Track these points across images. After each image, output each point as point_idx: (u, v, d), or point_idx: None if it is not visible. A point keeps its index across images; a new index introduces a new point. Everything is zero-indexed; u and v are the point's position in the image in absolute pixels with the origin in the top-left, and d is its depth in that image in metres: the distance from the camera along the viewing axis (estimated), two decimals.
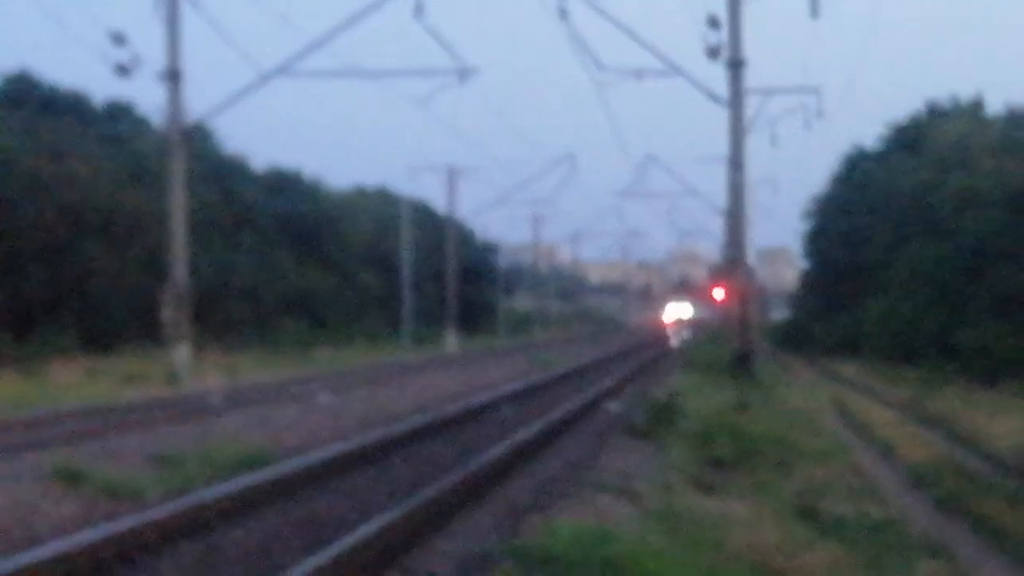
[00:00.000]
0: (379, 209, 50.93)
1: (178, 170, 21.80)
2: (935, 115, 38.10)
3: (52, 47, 57.25)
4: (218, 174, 36.03)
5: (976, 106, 37.20)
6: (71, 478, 6.87)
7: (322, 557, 4.05)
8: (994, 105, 36.50)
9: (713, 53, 20.07)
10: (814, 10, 22.71)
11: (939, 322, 27.68)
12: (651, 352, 39.35)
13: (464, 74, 22.57)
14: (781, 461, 10.01)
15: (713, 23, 19.68)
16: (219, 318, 31.76)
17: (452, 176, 34.23)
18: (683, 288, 64.33)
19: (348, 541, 4.51)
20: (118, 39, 19.74)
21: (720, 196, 29.84)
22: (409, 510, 5.57)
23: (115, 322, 28.16)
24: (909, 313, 29.76)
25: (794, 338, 42.34)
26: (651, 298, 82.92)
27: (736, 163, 21.56)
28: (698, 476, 8.54)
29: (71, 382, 19.34)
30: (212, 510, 5.91)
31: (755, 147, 24.68)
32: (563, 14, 19.95)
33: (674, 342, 45.86)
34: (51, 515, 6.05)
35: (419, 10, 19.60)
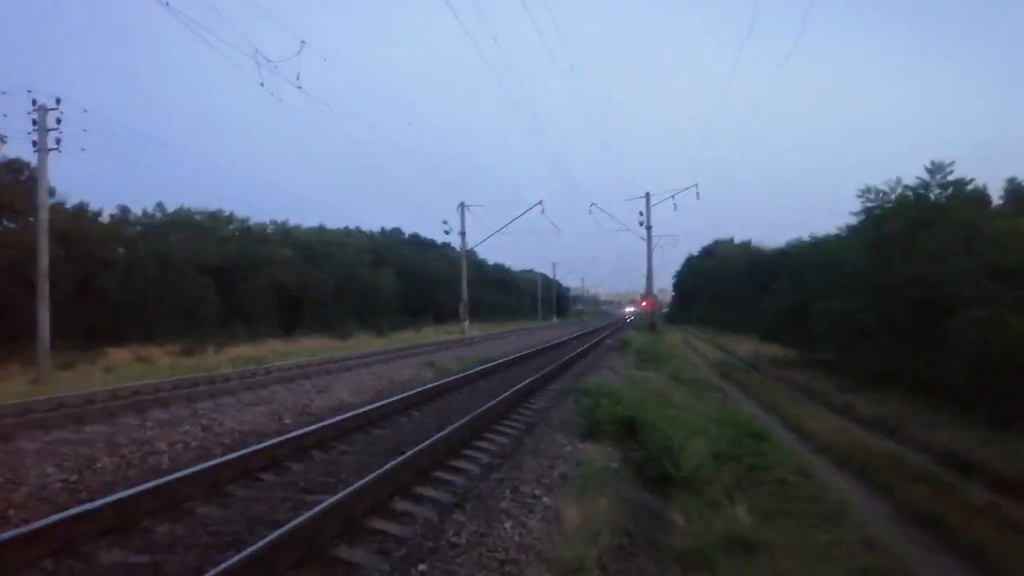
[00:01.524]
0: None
1: (463, 267, 48.51)
2: (719, 244, 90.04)
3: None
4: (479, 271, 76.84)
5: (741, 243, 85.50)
6: (429, 364, 19.44)
7: (523, 383, 15.98)
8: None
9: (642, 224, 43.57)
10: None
11: (716, 313, 67.89)
12: (623, 324, 77.34)
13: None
14: (666, 358, 23.29)
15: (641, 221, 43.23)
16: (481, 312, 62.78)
17: (462, 209, 48.22)
18: (633, 302, 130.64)
19: (532, 375, 16.66)
20: (445, 224, 46.52)
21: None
22: (544, 373, 17.90)
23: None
24: (709, 309, 72.27)
25: (671, 318, 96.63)
26: (624, 306, 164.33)
27: (649, 263, 45.77)
28: (638, 364, 21.50)
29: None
30: (476, 374, 18.28)
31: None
32: (592, 208, 45.44)
33: (628, 320, 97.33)
34: (424, 376, 18.47)
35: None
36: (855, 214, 25.70)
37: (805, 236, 45.92)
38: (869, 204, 24.55)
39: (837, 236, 30.22)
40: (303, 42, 17.13)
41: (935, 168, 22.60)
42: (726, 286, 67.38)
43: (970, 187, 22.51)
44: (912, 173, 24.16)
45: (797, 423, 17.31)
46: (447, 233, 47.04)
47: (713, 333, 59.86)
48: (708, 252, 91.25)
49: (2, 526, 6.10)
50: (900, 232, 21.70)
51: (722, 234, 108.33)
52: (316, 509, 5.70)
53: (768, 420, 17.50)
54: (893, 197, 23.66)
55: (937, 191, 22.53)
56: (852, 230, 27.09)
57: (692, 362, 30.63)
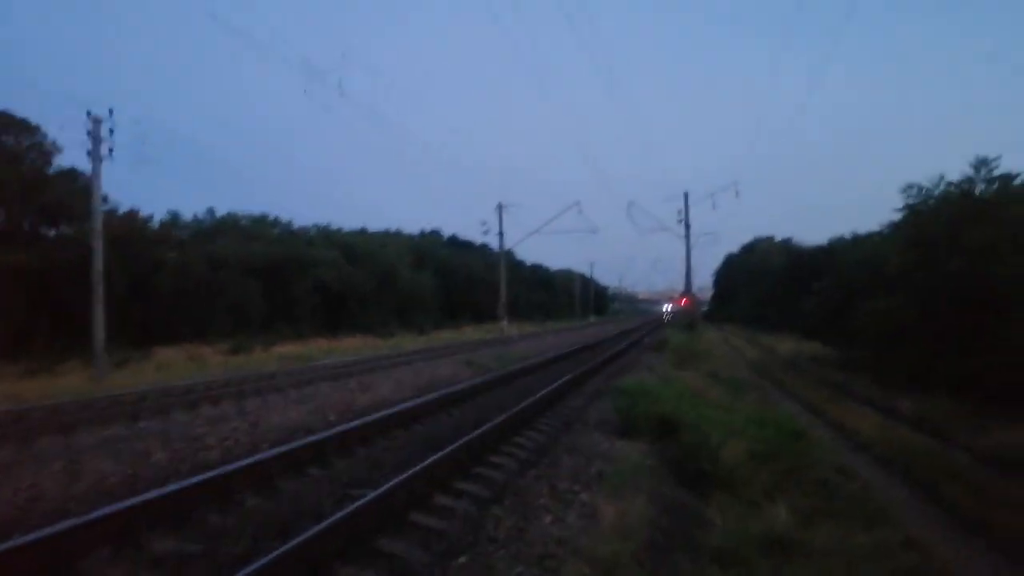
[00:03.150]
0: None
1: (503, 267, 48.17)
2: (759, 242, 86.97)
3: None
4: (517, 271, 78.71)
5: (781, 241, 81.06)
6: (469, 363, 19.65)
7: (560, 381, 16.19)
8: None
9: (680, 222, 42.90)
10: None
11: (756, 312, 66.55)
12: (660, 323, 79.72)
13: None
14: (704, 357, 23.10)
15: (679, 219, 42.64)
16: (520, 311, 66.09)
17: (500, 211, 48.14)
18: (671, 300, 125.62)
19: (569, 374, 16.76)
20: (484, 224, 47.33)
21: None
22: (581, 371, 17.98)
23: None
24: (748, 308, 71.86)
25: (709, 317, 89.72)
26: (662, 304, 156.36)
27: (687, 261, 44.55)
28: (676, 364, 21.39)
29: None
30: (514, 373, 18.44)
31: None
32: (630, 207, 44.23)
33: (666, 319, 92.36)
34: (463, 374, 18.69)
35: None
36: (898, 211, 25.13)
37: (846, 233, 45.12)
38: (912, 201, 23.98)
39: (879, 233, 29.62)
40: (345, 52, 17.50)
41: (980, 163, 21.93)
42: (766, 284, 66.22)
43: (1017, 181, 21.84)
44: (957, 169, 23.55)
45: (838, 422, 17.06)
46: (485, 234, 47.46)
47: (752, 332, 59.07)
48: (748, 250, 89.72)
49: (64, 516, 6.45)
50: (944, 229, 21.21)
51: (762, 232, 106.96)
52: (359, 502, 5.91)
53: (808, 419, 17.30)
54: (936, 193, 23.09)
55: (983, 186, 21.92)
56: (894, 227, 26.51)
57: (730, 361, 30.40)
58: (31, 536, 5.23)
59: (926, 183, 23.42)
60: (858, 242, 32.95)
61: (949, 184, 22.53)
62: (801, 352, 33.80)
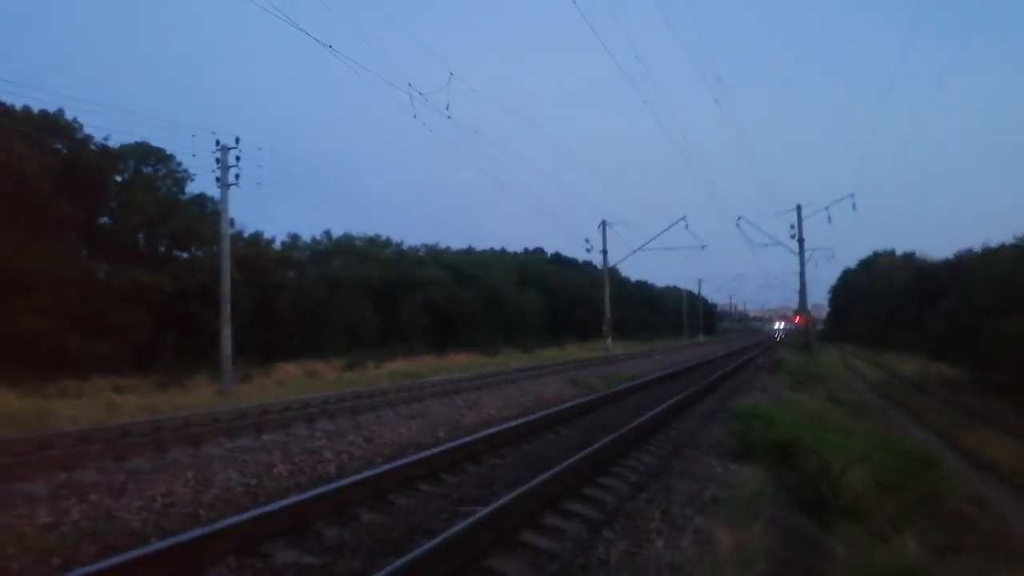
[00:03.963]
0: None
1: (607, 285, 48.83)
2: (879, 256, 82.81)
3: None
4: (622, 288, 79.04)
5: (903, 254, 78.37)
6: (574, 382, 19.63)
7: (669, 402, 15.73)
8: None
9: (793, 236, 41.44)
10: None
11: (876, 331, 63.90)
12: (773, 342, 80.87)
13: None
14: (821, 379, 21.97)
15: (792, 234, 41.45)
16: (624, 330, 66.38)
17: (604, 228, 48.48)
18: (784, 318, 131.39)
19: (679, 395, 16.34)
20: (587, 242, 48.85)
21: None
22: (691, 393, 17.50)
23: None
24: (868, 326, 68.87)
25: (825, 336, 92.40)
26: (774, 323, 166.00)
27: (801, 277, 43.02)
28: (791, 386, 20.47)
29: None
30: (620, 392, 18.19)
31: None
32: (740, 221, 42.79)
33: (778, 338, 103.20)
34: (568, 393, 18.62)
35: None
36: None
37: (975, 246, 41.83)
38: None
39: (1014, 246, 27.40)
40: (451, 74, 17.95)
41: None
42: (887, 301, 62.24)
43: None
44: None
45: (972, 450, 15.79)
46: (588, 251, 47.22)
47: (872, 352, 55.61)
48: (866, 265, 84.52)
49: (194, 524, 6.84)
50: None
51: (882, 246, 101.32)
52: (470, 520, 5.95)
53: (939, 446, 16.10)
54: None
55: None
56: None
57: (850, 382, 28.77)
58: (164, 543, 5.58)
59: None
60: (989, 255, 30.55)
61: None
62: (927, 374, 31.60)
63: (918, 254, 71.73)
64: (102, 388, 20.50)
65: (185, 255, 33.82)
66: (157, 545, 5.54)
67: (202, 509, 7.39)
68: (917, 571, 6.58)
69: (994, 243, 33.99)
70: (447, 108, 18.09)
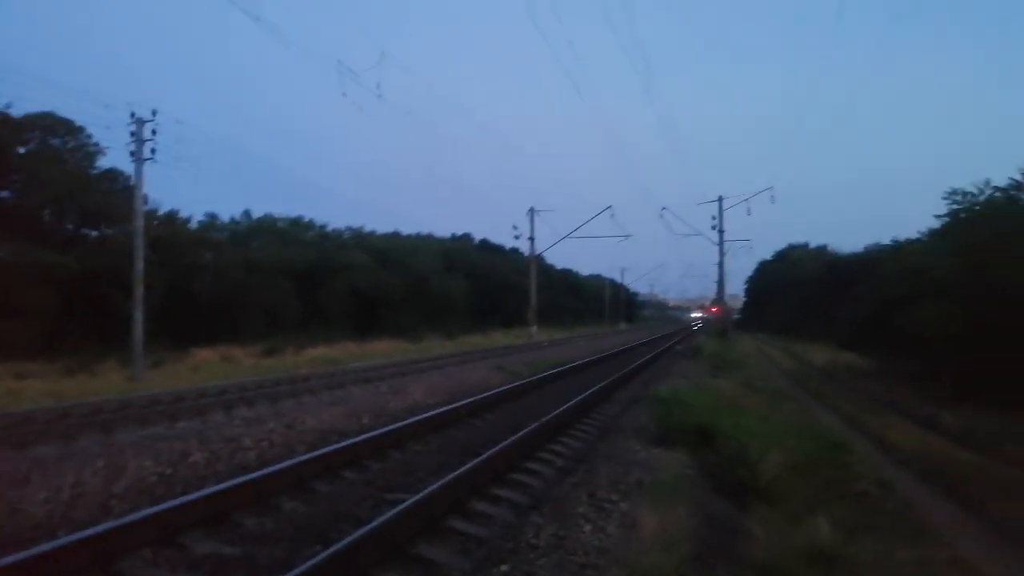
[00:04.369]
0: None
1: (533, 272, 49.01)
2: (793, 249, 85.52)
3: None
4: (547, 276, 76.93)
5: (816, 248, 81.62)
6: (500, 368, 19.59)
7: (593, 388, 16.08)
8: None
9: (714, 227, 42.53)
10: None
11: (789, 320, 65.28)
12: (691, 330, 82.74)
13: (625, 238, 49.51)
14: (738, 365, 22.74)
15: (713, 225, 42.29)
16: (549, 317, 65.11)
17: (532, 215, 47.93)
18: (702, 307, 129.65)
19: (602, 381, 16.62)
20: (515, 229, 46.93)
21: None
22: (614, 378, 17.82)
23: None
24: (782, 316, 70.37)
25: (741, 325, 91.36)
26: (693, 312, 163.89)
27: (720, 268, 44.61)
28: (710, 372, 21.11)
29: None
30: (546, 379, 18.33)
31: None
32: (663, 212, 43.35)
33: (695, 327, 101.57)
34: (495, 380, 18.64)
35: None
36: (939, 217, 24.51)
37: (883, 240, 44.18)
38: (955, 207, 23.36)
39: (920, 240, 28.94)
40: (383, 53, 17.58)
41: None
42: (800, 292, 64.95)
43: None
44: (1003, 175, 22.84)
45: (879, 435, 16.64)
46: (517, 238, 47.30)
47: (786, 340, 57.83)
48: (781, 257, 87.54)
49: (106, 515, 6.50)
50: (991, 236, 20.63)
51: (797, 239, 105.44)
52: (399, 508, 5.86)
53: (848, 431, 16.89)
54: (982, 200, 22.49)
55: None
56: (938, 234, 25.85)
57: (765, 370, 29.86)
58: (75, 536, 5.26)
59: (971, 188, 22.86)
60: (898, 249, 32.15)
61: (995, 189, 21.95)
62: (837, 362, 33.10)
63: (830, 247, 75.15)
64: (2, 375, 19.27)
65: (95, 234, 32.08)
66: (66, 539, 5.22)
67: (114, 500, 7.03)
68: (831, 551, 6.88)
69: (901, 238, 35.84)
70: (378, 87, 17.74)
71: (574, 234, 46.65)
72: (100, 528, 5.43)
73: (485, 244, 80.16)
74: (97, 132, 31.43)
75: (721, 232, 42.25)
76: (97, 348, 25.82)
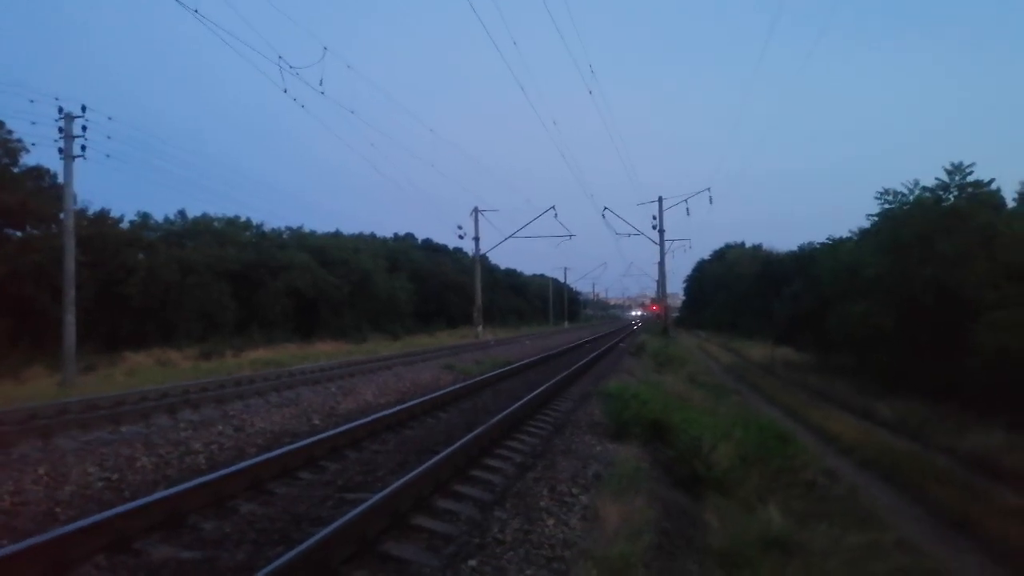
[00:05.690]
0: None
1: (478, 272, 50.04)
2: (730, 248, 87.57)
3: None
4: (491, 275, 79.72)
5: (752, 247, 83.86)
6: (449, 367, 19.48)
7: (545, 385, 16.16)
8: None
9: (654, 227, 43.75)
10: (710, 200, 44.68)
11: (727, 317, 66.43)
12: (632, 328, 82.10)
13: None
14: (681, 361, 23.30)
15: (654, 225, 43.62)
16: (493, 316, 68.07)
17: (476, 215, 48.07)
18: (642, 305, 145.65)
19: (552, 378, 16.71)
20: (460, 229, 47.98)
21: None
22: (563, 376, 17.95)
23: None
24: (720, 314, 71.59)
25: (682, 322, 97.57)
26: (633, 310, 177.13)
27: (661, 267, 48.28)
28: (655, 368, 21.51)
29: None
30: (496, 377, 18.34)
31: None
32: (605, 212, 44.05)
33: (635, 325, 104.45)
34: (445, 379, 18.55)
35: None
36: (871, 216, 25.53)
37: (817, 240, 45.79)
38: (887, 206, 24.36)
39: (852, 239, 30.10)
40: (325, 48, 17.29)
41: (955, 169, 22.37)
42: (737, 290, 66.65)
43: (989, 188, 22.35)
44: (933, 177, 23.94)
45: (819, 426, 17.27)
46: (461, 238, 47.21)
47: (725, 337, 59.44)
48: (719, 256, 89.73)
49: (52, 523, 6.22)
50: (918, 235, 21.60)
51: (735, 239, 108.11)
52: (364, 505, 5.78)
53: (789, 423, 17.47)
54: (911, 199, 23.50)
55: (956, 193, 22.37)
56: (869, 233, 26.93)
57: (707, 366, 30.67)
58: (23, 544, 5.02)
59: (901, 188, 23.83)
60: (832, 247, 33.34)
61: (924, 189, 22.93)
62: (775, 357, 34.21)
63: (765, 246, 77.39)
64: None
65: (19, 234, 30.59)
66: (13, 547, 4.97)
67: (59, 507, 6.74)
68: (784, 537, 7.11)
69: (834, 236, 37.22)
70: (320, 84, 17.44)
71: (518, 234, 46.86)
72: (49, 535, 5.19)
73: (429, 244, 79.72)
74: (22, 128, 29.97)
75: (661, 231, 43.04)
76: (23, 353, 24.66)
